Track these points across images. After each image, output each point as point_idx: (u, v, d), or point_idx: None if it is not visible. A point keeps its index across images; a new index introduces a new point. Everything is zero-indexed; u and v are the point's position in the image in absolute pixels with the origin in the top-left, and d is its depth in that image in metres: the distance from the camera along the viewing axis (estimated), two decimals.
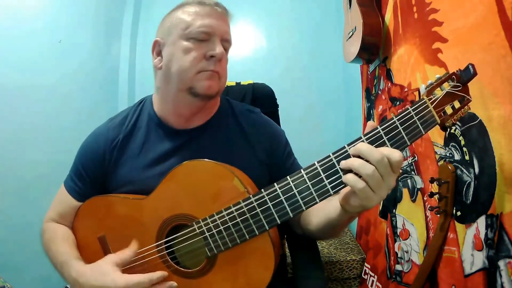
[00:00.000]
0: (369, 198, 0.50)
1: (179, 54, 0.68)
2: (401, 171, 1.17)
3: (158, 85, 0.74)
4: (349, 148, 0.51)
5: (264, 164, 0.77)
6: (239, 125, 0.77)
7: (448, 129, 0.82)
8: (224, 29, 0.70)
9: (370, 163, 0.48)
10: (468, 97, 0.53)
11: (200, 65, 0.67)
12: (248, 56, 2.17)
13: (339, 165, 0.52)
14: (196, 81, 0.67)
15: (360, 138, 0.51)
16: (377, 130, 0.51)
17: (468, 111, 0.54)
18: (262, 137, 0.77)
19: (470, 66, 0.51)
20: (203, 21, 0.68)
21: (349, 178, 0.50)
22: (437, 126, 0.53)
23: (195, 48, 0.67)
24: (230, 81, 1.10)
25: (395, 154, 0.48)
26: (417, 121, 0.51)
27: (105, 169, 0.74)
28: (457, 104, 0.54)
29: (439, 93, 0.52)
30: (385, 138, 0.51)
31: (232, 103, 0.82)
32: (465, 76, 0.52)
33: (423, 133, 0.51)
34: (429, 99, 0.52)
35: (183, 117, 0.74)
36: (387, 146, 0.51)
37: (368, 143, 0.51)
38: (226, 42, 0.71)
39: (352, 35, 1.37)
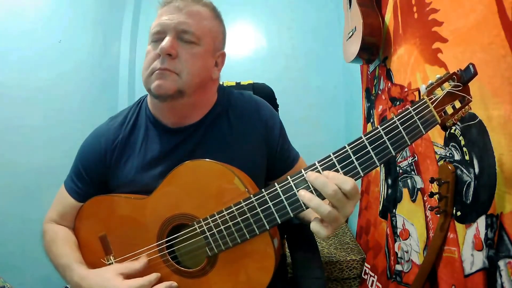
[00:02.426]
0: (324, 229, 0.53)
1: (144, 60, 0.69)
2: (401, 171, 1.17)
3: None
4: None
5: (262, 150, 0.77)
6: (234, 116, 0.76)
7: (448, 129, 0.82)
8: (178, 21, 0.65)
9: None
10: (469, 97, 0.53)
11: (152, 66, 0.66)
12: (248, 56, 2.18)
13: (339, 164, 0.52)
14: (150, 83, 0.66)
15: (361, 138, 0.51)
16: (378, 130, 0.51)
17: (469, 111, 0.54)
18: (257, 122, 0.77)
19: (470, 66, 0.51)
20: (157, 22, 0.67)
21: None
22: (438, 126, 0.53)
23: (151, 49, 0.67)
24: (230, 81, 1.10)
25: (347, 183, 0.50)
26: (418, 121, 0.51)
27: (106, 170, 0.74)
28: (457, 104, 0.54)
29: (439, 93, 0.52)
30: (385, 137, 0.51)
31: (229, 94, 0.80)
32: (465, 76, 0.52)
33: (424, 132, 0.51)
34: (430, 99, 0.52)
35: (170, 118, 0.73)
36: (387, 145, 0.51)
37: (369, 143, 0.51)
38: (184, 34, 0.65)
39: (352, 35, 1.37)
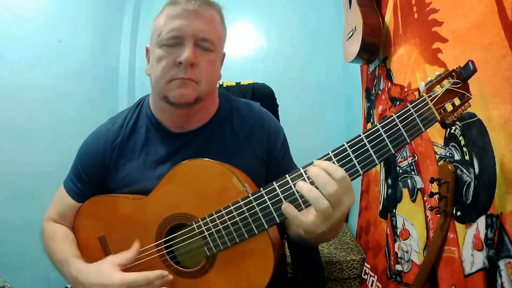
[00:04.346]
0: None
1: (154, 63, 0.66)
2: (401, 171, 1.17)
3: (151, 91, 0.75)
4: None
5: (263, 162, 0.76)
6: (238, 124, 0.76)
7: (448, 129, 0.82)
8: (198, 28, 0.64)
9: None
10: (468, 94, 0.52)
11: (170, 73, 0.64)
12: (248, 56, 2.18)
13: (338, 163, 0.51)
14: (168, 90, 0.65)
15: (359, 136, 0.51)
16: (377, 127, 0.51)
17: (468, 110, 0.54)
18: (261, 134, 0.76)
19: (469, 63, 0.51)
20: (171, 25, 0.64)
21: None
22: (437, 124, 0.52)
23: (166, 55, 0.64)
24: (230, 81, 1.10)
25: (337, 172, 0.49)
26: (417, 118, 0.51)
27: (105, 171, 0.74)
28: (457, 101, 0.53)
29: (439, 90, 0.52)
30: (384, 135, 0.51)
31: (231, 101, 0.80)
32: (465, 73, 0.52)
33: (423, 130, 0.51)
34: (429, 96, 0.51)
35: (176, 122, 0.73)
36: (387, 143, 0.51)
37: (368, 141, 0.51)
38: (204, 41, 0.65)
39: (352, 35, 1.37)
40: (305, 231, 0.54)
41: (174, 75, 0.64)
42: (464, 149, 0.79)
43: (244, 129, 0.76)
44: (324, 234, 0.53)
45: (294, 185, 0.53)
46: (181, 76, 0.64)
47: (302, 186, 0.50)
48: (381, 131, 0.51)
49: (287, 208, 0.52)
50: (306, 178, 0.52)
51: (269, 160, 0.77)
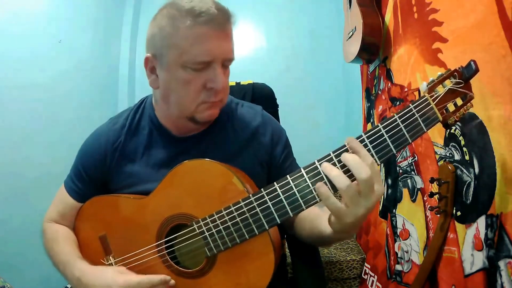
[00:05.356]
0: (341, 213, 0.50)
1: (177, 85, 0.64)
2: (401, 171, 1.17)
3: (158, 100, 0.72)
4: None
5: (264, 165, 0.76)
6: (240, 127, 0.76)
7: (449, 128, 0.82)
8: (226, 49, 0.63)
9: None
10: (471, 93, 0.52)
11: (200, 97, 0.64)
12: (248, 56, 2.18)
13: (339, 163, 0.51)
14: (197, 113, 0.66)
15: (361, 136, 0.51)
16: (378, 128, 0.51)
17: (470, 109, 0.54)
18: (262, 137, 0.76)
19: (472, 63, 0.51)
20: (200, 48, 0.60)
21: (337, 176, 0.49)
22: (439, 124, 0.52)
23: (193, 79, 0.62)
24: (230, 81, 1.10)
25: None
26: (419, 119, 0.50)
27: (106, 171, 0.74)
28: (459, 101, 0.53)
29: (441, 90, 0.51)
30: (386, 136, 0.50)
31: (233, 104, 0.80)
32: (467, 73, 0.51)
33: (425, 130, 0.50)
34: (431, 96, 0.51)
35: (183, 129, 0.73)
36: (388, 143, 0.50)
37: (370, 141, 0.51)
38: (229, 61, 0.66)
39: (352, 35, 1.37)
40: (335, 215, 0.51)
41: (205, 99, 0.65)
42: (464, 149, 0.79)
43: (246, 132, 0.76)
44: (348, 227, 0.51)
45: (296, 185, 0.53)
46: (212, 100, 0.65)
47: (332, 169, 0.50)
48: (383, 131, 0.50)
49: (321, 188, 0.50)
50: (336, 162, 0.51)
51: (271, 163, 0.77)
